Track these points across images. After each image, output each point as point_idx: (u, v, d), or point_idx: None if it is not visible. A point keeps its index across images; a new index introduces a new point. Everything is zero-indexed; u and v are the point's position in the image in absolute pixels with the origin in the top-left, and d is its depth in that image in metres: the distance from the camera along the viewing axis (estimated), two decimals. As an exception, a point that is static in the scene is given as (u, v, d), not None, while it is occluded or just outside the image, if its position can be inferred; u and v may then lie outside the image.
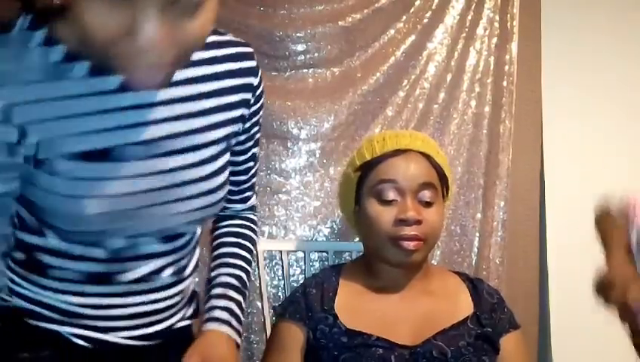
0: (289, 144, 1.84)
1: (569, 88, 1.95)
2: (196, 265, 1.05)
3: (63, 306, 0.91)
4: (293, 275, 1.77)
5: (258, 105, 0.97)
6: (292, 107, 1.83)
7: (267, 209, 1.82)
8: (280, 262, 1.67)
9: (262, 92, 0.97)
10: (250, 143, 1.01)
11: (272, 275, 1.80)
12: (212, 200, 0.91)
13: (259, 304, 1.68)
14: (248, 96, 0.94)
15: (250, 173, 1.06)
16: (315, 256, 1.81)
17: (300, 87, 1.85)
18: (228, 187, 0.96)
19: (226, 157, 0.94)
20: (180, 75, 0.83)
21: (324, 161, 1.86)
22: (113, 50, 0.68)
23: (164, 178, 0.86)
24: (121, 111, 0.81)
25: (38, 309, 0.91)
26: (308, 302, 1.16)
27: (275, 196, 1.83)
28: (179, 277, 0.99)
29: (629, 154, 1.96)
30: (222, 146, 0.92)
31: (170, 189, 0.87)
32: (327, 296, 1.17)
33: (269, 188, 1.83)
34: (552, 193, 1.93)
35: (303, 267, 1.71)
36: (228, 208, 1.08)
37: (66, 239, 0.86)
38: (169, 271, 0.96)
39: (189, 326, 1.05)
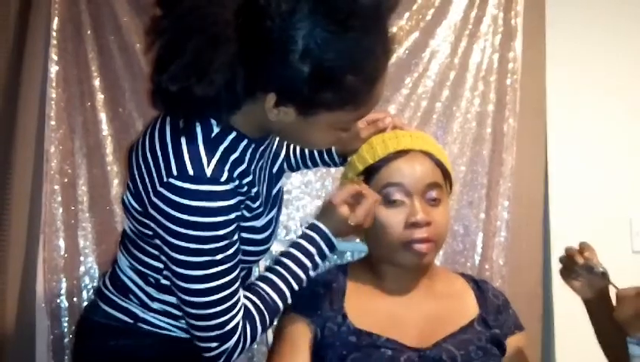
0: (290, 142, 1.83)
1: (574, 86, 1.94)
2: None
3: None
4: (295, 275, 1.76)
5: None
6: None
7: (268, 208, 1.81)
8: (281, 262, 1.65)
9: None
10: None
11: (273, 275, 1.78)
12: None
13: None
14: None
15: None
16: (316, 255, 1.79)
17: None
18: None
19: None
20: None
21: (326, 159, 1.85)
22: None
23: None
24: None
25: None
26: (316, 301, 1.14)
27: (276, 195, 1.82)
28: None
29: (635, 153, 1.95)
30: None
31: None
32: (336, 296, 1.16)
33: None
34: (557, 192, 1.91)
35: (305, 267, 1.69)
36: None
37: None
38: None
39: None
